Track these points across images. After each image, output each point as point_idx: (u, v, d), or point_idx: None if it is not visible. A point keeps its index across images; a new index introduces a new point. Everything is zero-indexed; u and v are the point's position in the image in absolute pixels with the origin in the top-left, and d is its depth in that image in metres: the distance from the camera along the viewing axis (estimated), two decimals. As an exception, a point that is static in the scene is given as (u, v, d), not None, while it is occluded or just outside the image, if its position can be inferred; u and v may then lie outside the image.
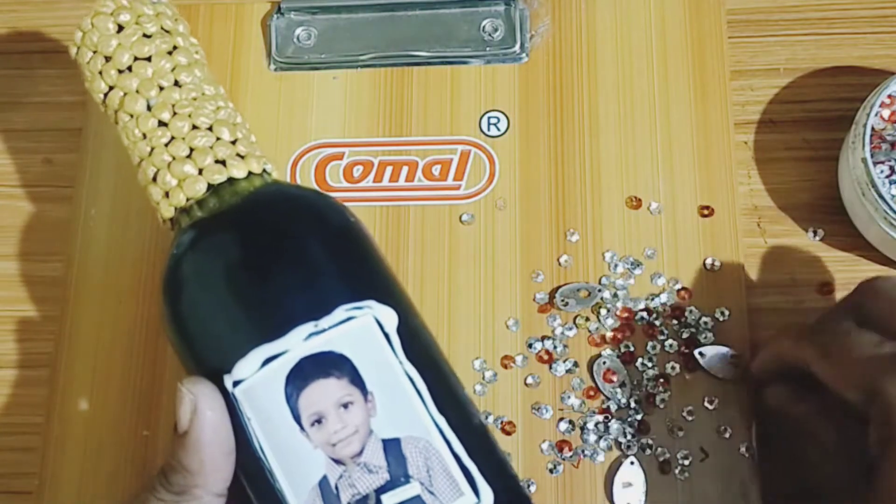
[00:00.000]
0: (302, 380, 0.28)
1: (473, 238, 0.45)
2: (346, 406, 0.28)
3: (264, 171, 0.34)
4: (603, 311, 0.43)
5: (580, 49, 0.48)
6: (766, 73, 0.47)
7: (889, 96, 0.42)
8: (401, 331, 0.30)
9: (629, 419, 0.41)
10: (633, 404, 0.42)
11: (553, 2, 0.49)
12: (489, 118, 0.47)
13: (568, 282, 0.44)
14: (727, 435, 0.41)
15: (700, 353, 0.42)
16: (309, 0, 0.49)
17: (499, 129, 0.47)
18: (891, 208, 0.40)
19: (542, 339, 0.43)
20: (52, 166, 0.49)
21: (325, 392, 0.28)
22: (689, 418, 0.41)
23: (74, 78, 0.50)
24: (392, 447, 0.28)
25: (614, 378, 0.42)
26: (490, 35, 0.48)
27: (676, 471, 0.41)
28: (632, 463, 0.41)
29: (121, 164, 0.48)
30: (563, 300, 0.43)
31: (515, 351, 0.43)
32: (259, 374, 0.28)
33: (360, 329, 0.29)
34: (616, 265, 0.44)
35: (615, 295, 0.43)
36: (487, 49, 0.48)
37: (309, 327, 0.29)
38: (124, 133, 0.34)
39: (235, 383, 0.29)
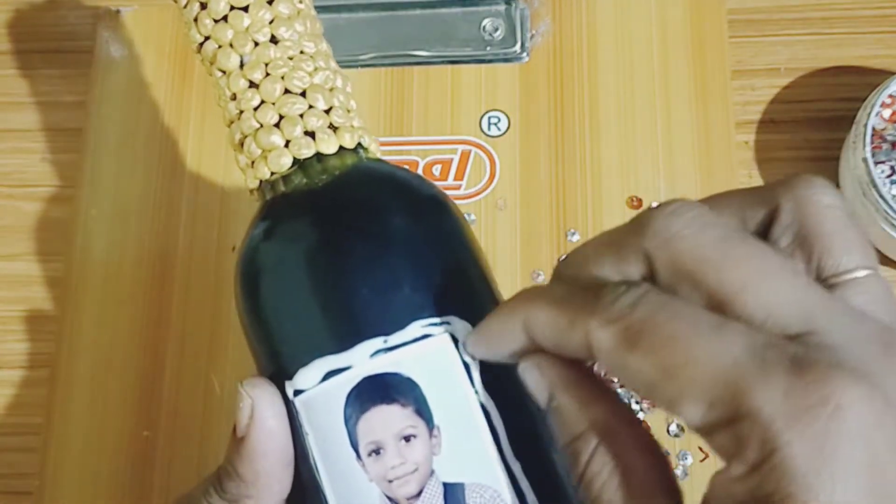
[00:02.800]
0: (363, 402, 0.25)
1: (474, 238, 0.45)
2: (407, 439, 0.25)
3: (359, 145, 0.29)
4: (603, 312, 0.43)
5: (581, 49, 0.48)
6: (766, 72, 0.47)
7: (890, 96, 0.42)
8: None
9: (630, 419, 0.41)
10: (633, 404, 0.42)
11: (553, 1, 0.49)
12: (489, 118, 0.47)
13: (568, 282, 0.44)
14: (728, 435, 0.41)
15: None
16: (309, 0, 0.49)
17: (499, 129, 0.47)
18: (891, 208, 0.40)
19: (543, 339, 0.43)
20: (51, 166, 0.49)
21: (386, 420, 0.25)
22: (690, 418, 0.41)
23: (74, 78, 0.50)
24: (454, 493, 0.24)
25: (614, 378, 0.42)
26: (490, 35, 0.48)
27: (676, 471, 0.41)
28: (632, 463, 0.41)
29: (121, 164, 0.48)
30: (563, 300, 0.43)
31: (516, 351, 0.43)
32: (320, 388, 0.25)
33: (435, 350, 0.25)
34: (616, 265, 0.44)
35: (616, 295, 0.43)
36: (488, 49, 0.48)
37: (377, 343, 0.25)
38: (217, 89, 0.30)
39: (296, 392, 0.26)
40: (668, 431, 0.41)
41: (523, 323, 0.23)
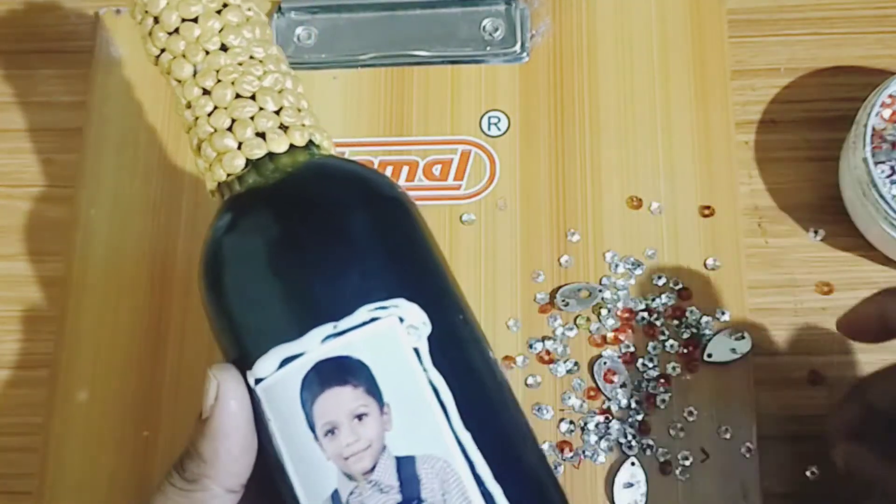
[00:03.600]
0: (317, 385, 0.26)
1: (474, 238, 0.45)
2: (360, 418, 0.26)
3: (311, 143, 0.31)
4: (603, 312, 0.43)
5: (581, 48, 0.48)
6: (766, 72, 0.47)
7: (890, 96, 0.42)
8: (433, 334, 0.27)
9: (630, 420, 0.41)
10: (633, 405, 0.42)
11: (553, 1, 0.49)
12: (489, 118, 0.47)
13: (568, 282, 0.44)
14: (727, 435, 0.41)
15: (709, 356, 0.42)
16: (309, 0, 0.49)
17: (499, 129, 0.47)
18: (892, 208, 0.40)
19: (543, 339, 0.43)
20: (51, 166, 0.49)
21: (339, 401, 0.26)
22: (690, 419, 0.41)
23: (74, 78, 0.50)
24: (406, 466, 0.26)
25: (615, 378, 0.42)
26: (490, 35, 0.48)
27: (677, 471, 0.41)
28: (632, 463, 0.41)
29: (121, 164, 0.48)
30: (563, 300, 0.43)
31: (516, 351, 0.43)
32: (277, 375, 0.27)
33: (383, 332, 0.26)
34: (617, 265, 0.44)
35: (616, 295, 0.43)
36: (488, 49, 0.48)
37: (328, 328, 0.26)
38: (175, 98, 0.32)
39: (257, 381, 0.27)
40: (668, 433, 0.41)
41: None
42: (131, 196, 0.47)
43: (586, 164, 0.46)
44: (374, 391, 0.26)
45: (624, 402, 0.42)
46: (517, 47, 0.48)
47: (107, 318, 0.45)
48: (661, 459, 0.41)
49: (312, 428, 0.26)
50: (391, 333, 0.26)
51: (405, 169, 0.46)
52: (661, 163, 0.46)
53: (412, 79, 0.48)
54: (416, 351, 0.26)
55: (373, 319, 0.26)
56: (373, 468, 0.26)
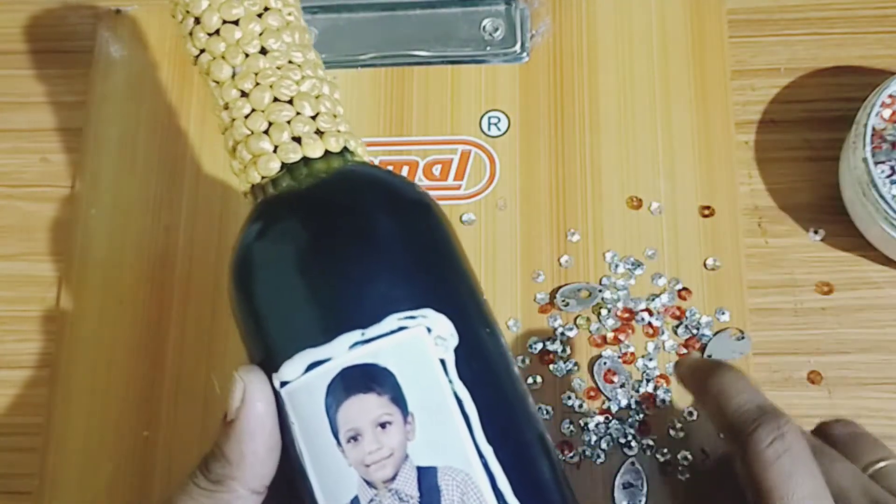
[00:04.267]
0: (342, 392, 0.26)
1: (474, 238, 0.45)
2: (383, 426, 0.26)
3: (345, 149, 0.31)
4: (604, 312, 0.43)
5: (581, 48, 0.48)
6: (766, 72, 0.47)
7: (890, 96, 0.42)
8: (460, 346, 0.27)
9: (630, 420, 0.41)
10: (633, 405, 0.42)
11: (553, 1, 0.49)
12: (489, 118, 0.47)
13: (569, 282, 0.44)
14: (728, 435, 0.41)
15: (709, 356, 0.42)
16: (309, 0, 0.49)
17: (499, 129, 0.47)
18: (891, 208, 0.40)
19: (543, 339, 0.43)
20: (51, 166, 0.49)
21: (363, 408, 0.26)
22: (690, 419, 0.41)
23: (74, 78, 0.50)
24: (427, 476, 0.26)
25: (615, 379, 0.42)
26: (490, 35, 0.48)
27: (677, 471, 0.41)
28: (633, 464, 0.41)
29: (121, 164, 0.48)
30: (563, 300, 0.43)
31: (516, 351, 0.43)
32: (303, 379, 0.27)
33: (410, 342, 0.26)
34: (617, 265, 0.44)
35: (616, 295, 0.43)
36: (488, 49, 0.48)
37: (355, 335, 0.26)
38: (212, 99, 0.32)
39: (282, 384, 0.27)
40: (668, 433, 0.41)
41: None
42: (131, 196, 0.47)
43: (586, 164, 0.46)
44: (399, 400, 0.26)
45: (624, 402, 0.42)
46: (517, 47, 0.48)
47: (107, 318, 0.45)
48: (662, 460, 0.41)
49: (336, 434, 0.26)
50: (418, 343, 0.26)
51: (405, 169, 0.46)
52: (661, 163, 0.46)
53: (412, 79, 0.48)
54: (443, 362, 0.26)
55: (401, 328, 0.26)
56: (394, 477, 0.26)
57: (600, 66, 0.48)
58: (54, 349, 0.45)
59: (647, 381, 0.42)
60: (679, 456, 0.41)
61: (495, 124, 0.47)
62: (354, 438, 0.26)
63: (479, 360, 0.27)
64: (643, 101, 0.47)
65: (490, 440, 0.26)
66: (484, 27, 0.49)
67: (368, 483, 0.26)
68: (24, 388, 0.45)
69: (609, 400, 0.42)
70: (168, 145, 0.48)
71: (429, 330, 0.27)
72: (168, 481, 0.43)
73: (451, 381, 0.26)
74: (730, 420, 0.29)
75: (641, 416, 0.41)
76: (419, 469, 0.26)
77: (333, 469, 0.26)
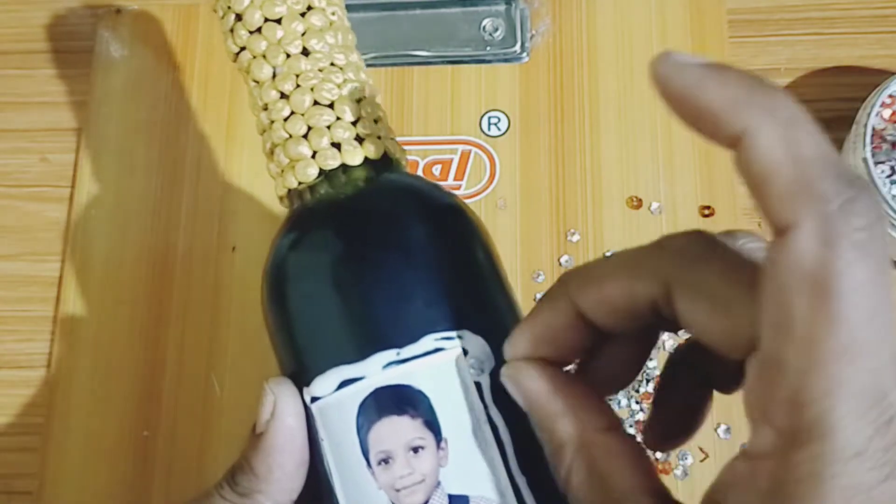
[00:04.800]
0: (375, 412, 0.25)
1: (474, 238, 0.45)
2: (416, 450, 0.25)
3: (385, 155, 0.30)
4: (603, 312, 0.43)
5: (581, 48, 0.48)
6: (766, 72, 0.47)
7: (890, 96, 0.42)
8: (497, 367, 0.25)
9: (630, 420, 0.41)
10: (633, 405, 0.42)
11: (553, 1, 0.49)
12: (489, 118, 0.47)
13: (568, 282, 0.44)
14: (727, 435, 0.41)
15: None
16: (309, 0, 0.49)
17: (499, 129, 0.47)
18: (891, 208, 0.40)
19: (543, 339, 0.43)
20: (51, 166, 0.49)
21: (396, 431, 0.25)
22: (690, 418, 0.41)
23: (74, 78, 0.50)
24: None
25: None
26: (490, 35, 0.48)
27: (677, 471, 0.41)
28: (632, 463, 0.41)
29: (121, 164, 0.48)
30: (563, 300, 0.43)
31: (516, 351, 0.43)
32: (334, 396, 0.26)
33: (446, 364, 0.25)
34: (616, 265, 0.44)
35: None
36: (488, 49, 0.48)
37: (390, 355, 0.25)
38: (251, 98, 0.31)
39: (313, 399, 0.26)
40: (668, 431, 0.41)
41: (574, 300, 0.22)
42: (131, 196, 0.47)
43: (586, 164, 0.46)
44: (432, 424, 0.25)
45: (624, 402, 0.42)
46: (517, 47, 0.48)
47: (107, 318, 0.45)
48: (662, 459, 0.41)
49: (366, 455, 0.25)
50: (455, 366, 0.25)
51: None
52: (661, 163, 0.46)
53: (412, 79, 0.48)
54: (479, 386, 0.25)
55: (437, 350, 0.25)
56: (425, 503, 0.25)
57: (600, 66, 0.48)
58: (54, 349, 0.45)
59: (647, 381, 0.42)
60: (679, 456, 0.41)
61: (495, 124, 0.47)
62: (385, 461, 0.25)
63: None
64: (643, 101, 0.47)
65: (523, 470, 0.25)
66: (484, 27, 0.49)
67: None
68: (24, 388, 0.45)
69: (609, 400, 0.42)
70: (168, 145, 0.48)
71: (465, 352, 0.26)
72: (168, 481, 0.43)
73: (486, 407, 0.25)
74: (808, 176, 0.17)
75: (641, 416, 0.41)
76: (451, 497, 0.25)
77: (362, 490, 0.25)
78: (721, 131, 0.18)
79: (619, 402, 0.42)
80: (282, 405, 0.27)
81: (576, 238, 0.45)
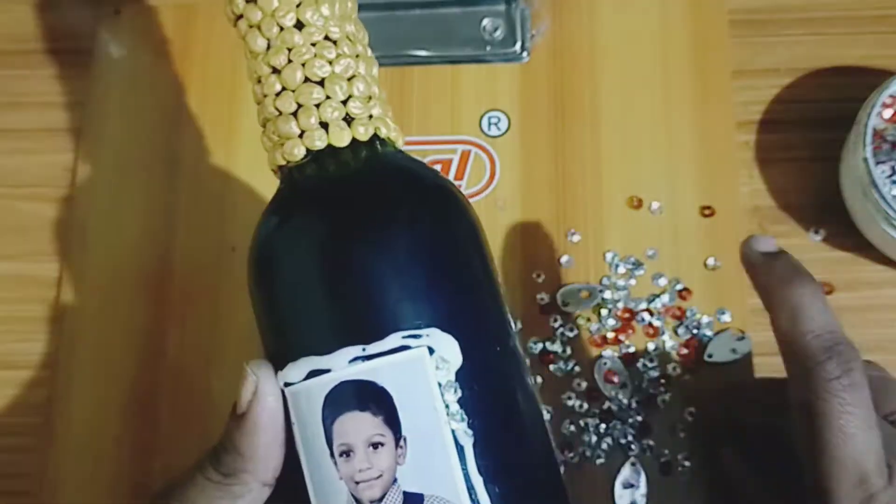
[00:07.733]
0: (339, 405, 0.26)
1: (474, 238, 0.45)
2: (375, 446, 0.25)
3: (375, 136, 0.29)
4: (604, 312, 0.43)
5: (581, 48, 0.48)
6: (767, 73, 0.47)
7: (890, 96, 0.42)
8: (463, 368, 0.26)
9: (630, 420, 0.41)
10: (634, 405, 0.42)
11: (553, 1, 0.49)
12: (489, 118, 0.47)
13: (569, 282, 0.44)
14: (728, 435, 0.41)
15: (709, 356, 0.42)
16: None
17: (499, 129, 0.47)
18: (892, 208, 0.40)
19: (544, 339, 0.43)
20: (51, 166, 0.49)
21: (357, 426, 0.26)
22: (691, 419, 0.41)
23: (74, 78, 0.50)
24: (412, 503, 0.25)
25: (615, 379, 0.42)
26: (490, 35, 0.48)
27: (677, 471, 0.41)
28: (633, 464, 0.41)
29: (120, 164, 0.48)
30: (564, 301, 0.43)
31: (516, 351, 0.43)
32: (304, 385, 0.26)
33: (411, 362, 0.25)
34: (617, 265, 0.44)
35: (616, 295, 0.43)
36: (488, 49, 0.48)
37: (356, 350, 0.25)
38: (248, 68, 0.30)
39: (286, 384, 0.27)
40: (668, 433, 0.41)
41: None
42: (130, 196, 0.47)
43: (586, 165, 0.46)
44: (393, 422, 0.25)
45: (624, 402, 0.42)
46: (517, 47, 0.48)
47: (106, 318, 0.45)
48: (662, 460, 0.41)
49: (330, 445, 0.26)
50: (419, 365, 0.25)
51: (405, 169, 0.46)
52: (661, 163, 0.46)
53: (412, 79, 0.48)
54: (441, 386, 0.25)
55: (403, 347, 0.25)
56: (381, 498, 0.25)
57: (600, 66, 0.48)
58: (54, 349, 0.45)
59: (648, 381, 0.42)
60: (679, 456, 0.41)
61: (495, 124, 0.47)
62: (346, 454, 0.26)
63: (483, 384, 0.26)
64: (643, 101, 0.47)
65: (481, 471, 0.25)
66: (484, 27, 0.49)
67: (357, 500, 0.26)
68: (24, 388, 0.45)
69: (609, 400, 0.42)
70: (167, 145, 0.48)
71: (431, 351, 0.25)
72: (168, 481, 0.43)
73: (447, 407, 0.25)
74: (802, 342, 0.29)
75: (642, 416, 0.41)
76: (406, 494, 0.25)
77: (325, 477, 0.26)
78: (764, 302, 0.31)
79: (619, 403, 0.42)
80: (263, 386, 0.27)
81: (576, 238, 0.45)
